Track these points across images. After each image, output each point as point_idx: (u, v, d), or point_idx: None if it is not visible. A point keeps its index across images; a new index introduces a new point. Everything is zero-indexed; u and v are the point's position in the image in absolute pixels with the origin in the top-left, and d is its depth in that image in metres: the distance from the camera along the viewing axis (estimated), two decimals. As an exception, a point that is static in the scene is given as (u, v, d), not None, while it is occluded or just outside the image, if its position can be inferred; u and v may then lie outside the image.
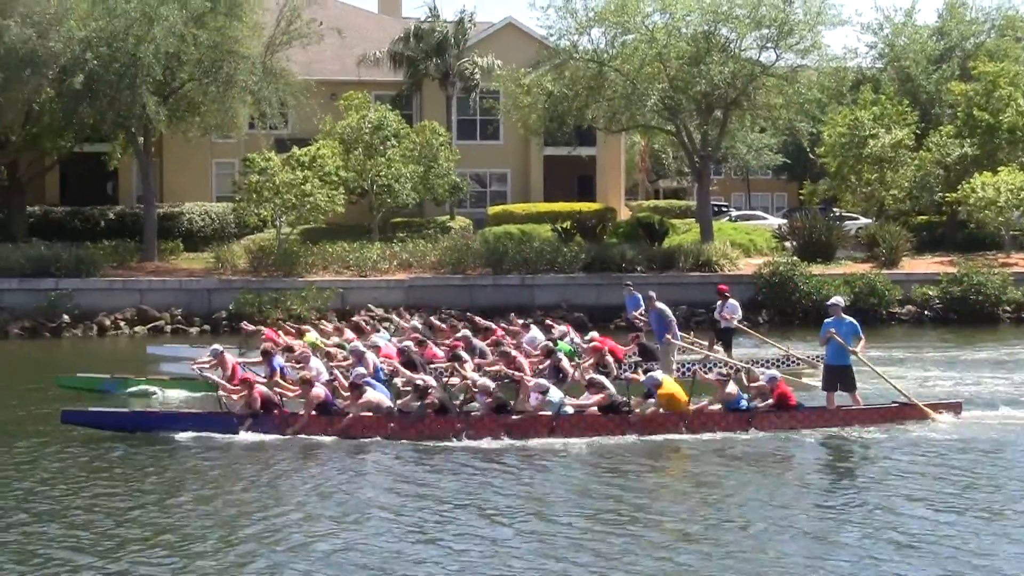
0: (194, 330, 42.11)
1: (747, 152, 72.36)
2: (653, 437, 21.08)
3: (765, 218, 72.41)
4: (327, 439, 20.81)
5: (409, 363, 25.70)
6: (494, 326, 31.16)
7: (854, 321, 22.86)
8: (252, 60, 47.62)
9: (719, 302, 30.30)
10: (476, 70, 56.80)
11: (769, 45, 50.11)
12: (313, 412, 21.24)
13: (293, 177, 46.15)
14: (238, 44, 46.94)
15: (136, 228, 51.00)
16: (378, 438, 20.83)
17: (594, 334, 28.93)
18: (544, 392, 21.44)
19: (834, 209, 63.98)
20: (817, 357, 28.95)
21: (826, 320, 23.00)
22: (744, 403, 21.87)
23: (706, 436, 21.14)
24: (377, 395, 21.66)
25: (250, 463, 19.43)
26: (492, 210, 58.93)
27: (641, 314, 30.83)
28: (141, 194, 53.15)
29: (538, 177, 62.47)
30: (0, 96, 45.14)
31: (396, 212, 54.40)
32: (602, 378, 22.41)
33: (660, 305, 28.30)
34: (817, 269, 46.36)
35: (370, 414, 21.23)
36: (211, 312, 43.13)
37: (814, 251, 49.55)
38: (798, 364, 29.65)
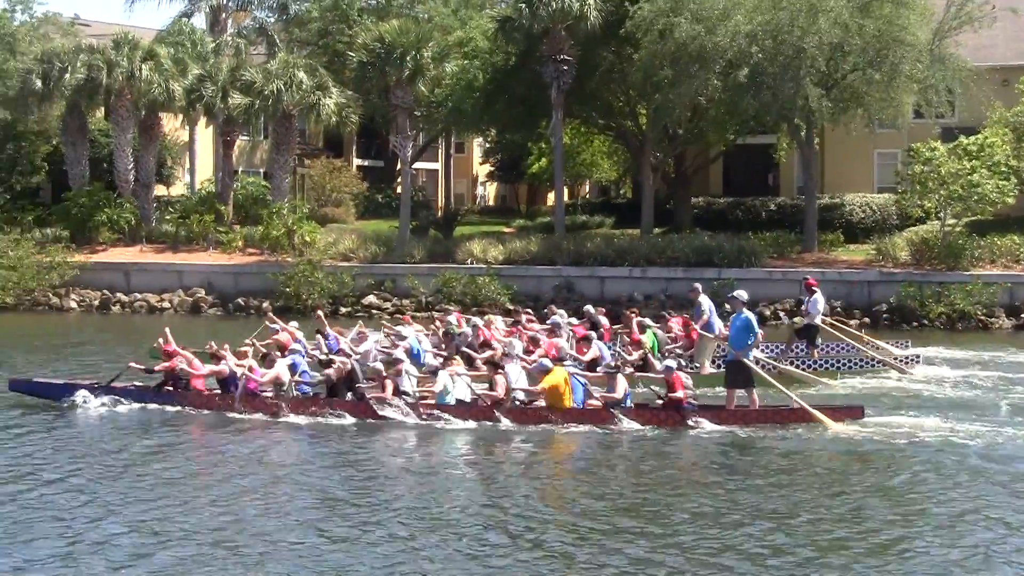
0: (853, 323, 41.46)
1: None
2: (526, 428, 21.34)
3: None
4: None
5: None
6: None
7: (751, 316, 22.71)
8: (919, 47, 46.22)
9: (805, 297, 28.78)
10: None
11: None
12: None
13: (960, 167, 44.34)
14: (904, 31, 45.67)
15: (796, 219, 51.23)
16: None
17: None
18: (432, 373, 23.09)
19: None
20: (906, 358, 28.72)
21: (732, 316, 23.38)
22: (630, 400, 21.98)
23: (579, 429, 21.18)
24: (283, 371, 23.08)
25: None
26: None
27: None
28: (802, 185, 53.35)
29: None
30: (669, 91, 46.93)
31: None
32: (510, 364, 22.68)
33: (700, 298, 28.33)
34: None
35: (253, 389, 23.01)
36: (871, 305, 42.56)
37: None
38: (883, 365, 28.55)
